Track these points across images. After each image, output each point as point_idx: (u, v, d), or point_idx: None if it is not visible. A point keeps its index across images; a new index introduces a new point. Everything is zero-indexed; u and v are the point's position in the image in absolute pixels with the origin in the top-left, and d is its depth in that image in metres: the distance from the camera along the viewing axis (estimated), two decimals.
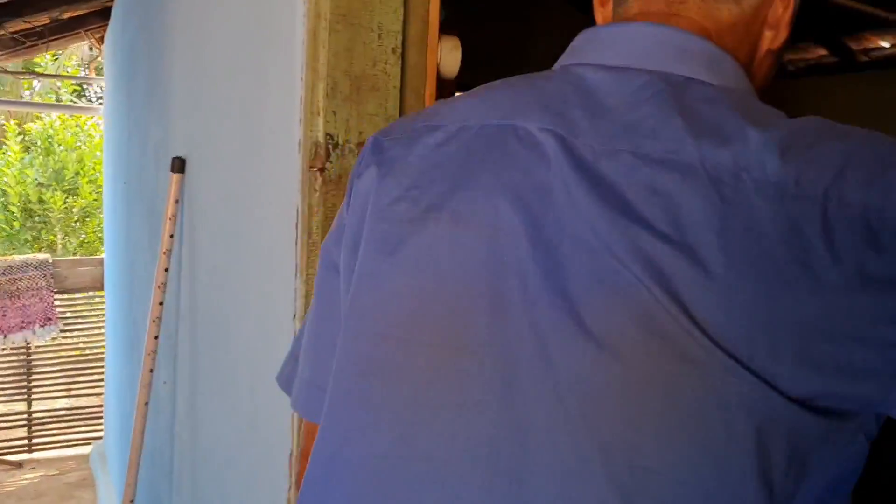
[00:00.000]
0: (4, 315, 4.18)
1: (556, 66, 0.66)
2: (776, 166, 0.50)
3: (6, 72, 5.40)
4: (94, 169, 7.84)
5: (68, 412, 4.85)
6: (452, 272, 0.58)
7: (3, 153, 7.98)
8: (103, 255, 4.40)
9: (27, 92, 9.82)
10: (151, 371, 1.89)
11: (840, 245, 0.48)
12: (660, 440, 0.49)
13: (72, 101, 9.84)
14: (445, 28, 1.11)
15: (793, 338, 0.48)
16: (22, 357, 4.70)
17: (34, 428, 4.73)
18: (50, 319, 4.33)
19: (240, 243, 1.43)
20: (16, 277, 4.21)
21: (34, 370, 4.73)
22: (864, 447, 0.52)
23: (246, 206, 1.38)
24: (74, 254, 7.71)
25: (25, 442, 4.69)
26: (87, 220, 8.02)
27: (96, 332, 4.81)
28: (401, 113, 1.04)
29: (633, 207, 0.52)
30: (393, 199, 0.63)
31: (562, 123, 0.58)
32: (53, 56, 8.86)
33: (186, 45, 1.84)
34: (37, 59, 8.52)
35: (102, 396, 4.52)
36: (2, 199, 7.76)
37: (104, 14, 3.58)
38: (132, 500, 1.98)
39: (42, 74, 7.91)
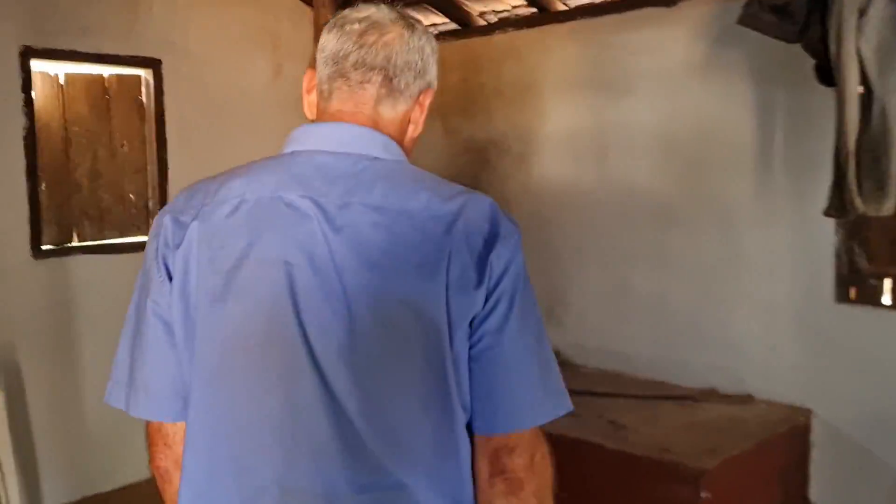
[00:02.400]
0: None
1: (287, 150, 1.05)
2: (435, 204, 0.97)
3: None
4: None
5: None
6: (266, 295, 0.95)
7: None
8: None
9: None
10: None
11: (471, 243, 0.96)
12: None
13: None
14: None
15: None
16: None
17: None
18: None
19: None
20: None
21: None
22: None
23: None
24: None
25: None
26: None
27: None
28: None
29: (363, 237, 0.94)
30: (209, 258, 0.97)
31: (310, 191, 0.97)
32: None
33: None
34: None
35: None
36: None
37: None
38: None
39: None
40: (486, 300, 0.96)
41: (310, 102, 1.10)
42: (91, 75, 3.53)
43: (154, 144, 3.65)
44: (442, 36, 4.23)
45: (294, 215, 0.96)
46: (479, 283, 0.95)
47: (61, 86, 3.45)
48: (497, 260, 0.96)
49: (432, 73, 1.09)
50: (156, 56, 3.62)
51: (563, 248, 3.75)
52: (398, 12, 1.07)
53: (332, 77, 1.05)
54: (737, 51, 3.10)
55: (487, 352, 0.97)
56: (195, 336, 0.97)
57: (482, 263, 0.95)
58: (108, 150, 3.59)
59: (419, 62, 1.06)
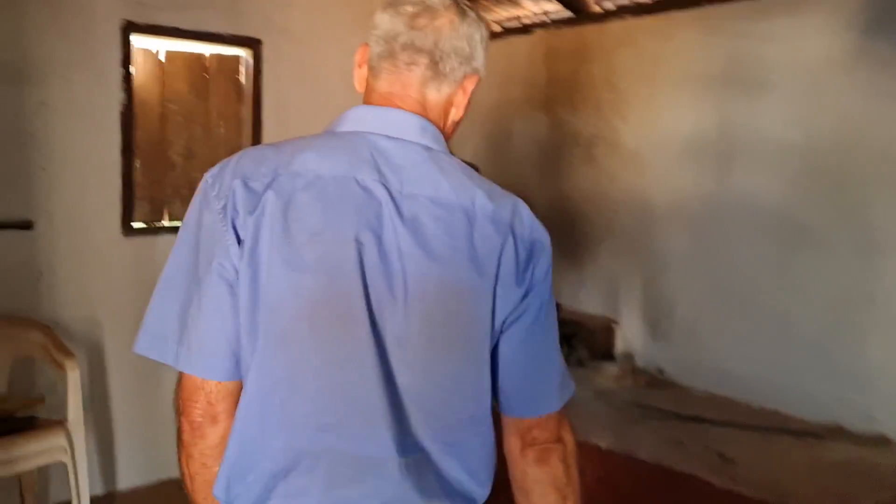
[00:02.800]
0: None
1: (344, 129, 1.09)
2: (488, 204, 1.05)
3: None
4: None
5: None
6: (338, 272, 0.99)
7: None
8: None
9: None
10: None
11: (518, 247, 1.06)
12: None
13: None
14: None
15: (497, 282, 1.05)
16: None
17: None
18: None
19: None
20: None
21: None
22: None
23: None
24: None
25: None
26: None
27: None
28: None
29: (426, 228, 1.01)
30: (283, 228, 0.99)
31: (381, 176, 1.03)
32: None
33: None
34: None
35: None
36: None
37: None
38: None
39: None
40: (525, 298, 1.07)
41: (361, 76, 1.14)
42: (191, 53, 3.47)
43: (250, 125, 3.57)
44: (553, 24, 3.98)
45: (367, 198, 1.01)
46: (521, 282, 1.06)
47: (161, 63, 3.40)
48: (536, 262, 1.08)
49: (479, 61, 1.14)
50: (256, 36, 3.52)
51: (674, 257, 3.43)
52: None
53: (382, 56, 1.10)
54: (889, 41, 2.71)
55: (521, 344, 1.09)
56: (259, 302, 0.99)
57: (525, 264, 1.06)
58: (205, 129, 3.53)
59: (466, 48, 1.11)
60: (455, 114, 1.14)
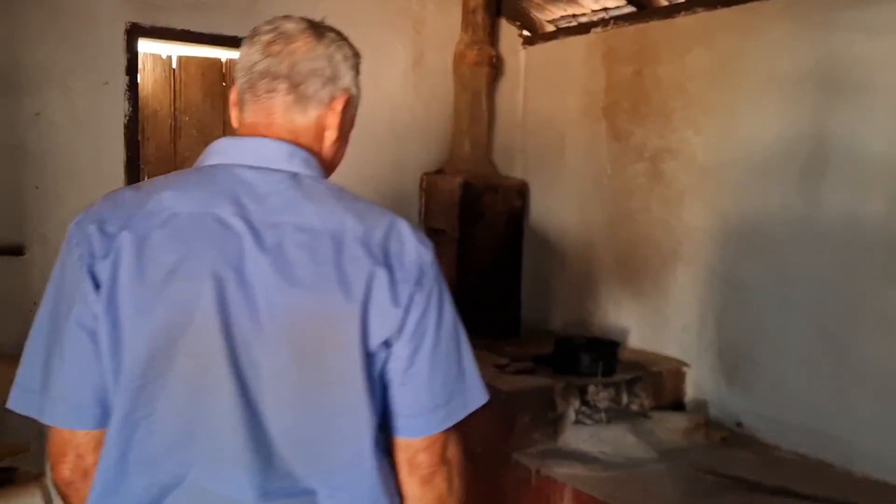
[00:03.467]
0: None
1: (209, 163, 1.08)
2: (358, 227, 1.04)
3: None
4: None
5: None
6: (195, 309, 0.98)
7: None
8: None
9: None
10: None
11: (393, 267, 1.04)
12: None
13: None
14: None
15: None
16: None
17: None
18: None
19: None
20: None
21: None
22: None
23: None
24: None
25: None
26: None
27: None
28: None
29: (290, 256, 1.00)
30: (138, 269, 0.98)
31: (241, 209, 1.02)
32: None
33: None
34: None
35: None
36: None
37: None
38: None
39: None
40: (403, 320, 1.05)
41: (235, 116, 1.16)
42: (207, 58, 3.14)
43: None
44: (614, 22, 3.52)
45: (225, 232, 1.02)
46: (397, 303, 1.04)
47: (173, 69, 3.08)
48: (417, 280, 1.06)
49: (347, 80, 1.14)
50: None
51: (756, 292, 2.92)
52: (309, 23, 1.13)
53: (244, 88, 1.11)
54: None
55: (408, 364, 1.08)
56: (121, 344, 1.00)
57: (400, 285, 1.05)
58: None
59: (328, 69, 1.12)
60: (331, 136, 1.14)
